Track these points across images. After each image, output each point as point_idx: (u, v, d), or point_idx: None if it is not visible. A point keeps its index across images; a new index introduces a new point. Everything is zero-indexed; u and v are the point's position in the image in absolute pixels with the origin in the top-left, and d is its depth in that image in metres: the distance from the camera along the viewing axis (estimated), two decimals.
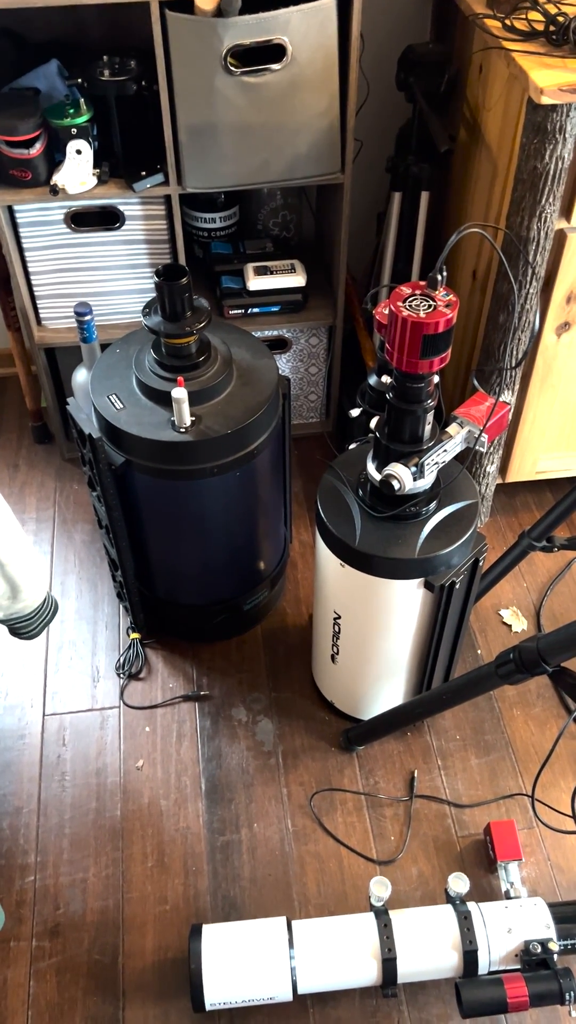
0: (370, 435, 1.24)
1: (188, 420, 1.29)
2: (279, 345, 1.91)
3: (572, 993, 1.14)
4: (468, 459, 1.73)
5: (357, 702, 1.53)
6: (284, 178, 1.63)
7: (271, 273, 1.81)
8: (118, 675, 1.65)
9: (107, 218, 1.67)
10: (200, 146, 1.56)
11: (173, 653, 1.69)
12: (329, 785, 1.50)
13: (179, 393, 1.26)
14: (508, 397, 1.61)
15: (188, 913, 1.35)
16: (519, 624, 1.73)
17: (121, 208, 1.65)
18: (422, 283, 1.04)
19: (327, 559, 1.31)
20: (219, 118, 1.53)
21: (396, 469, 1.14)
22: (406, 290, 1.04)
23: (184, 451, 1.30)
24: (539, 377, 1.61)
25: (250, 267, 1.82)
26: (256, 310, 1.83)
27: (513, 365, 1.54)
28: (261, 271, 1.81)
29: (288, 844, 1.43)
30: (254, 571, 1.63)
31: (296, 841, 1.43)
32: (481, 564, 1.30)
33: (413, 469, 1.15)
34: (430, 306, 1.02)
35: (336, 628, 1.41)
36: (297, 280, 1.81)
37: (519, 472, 1.81)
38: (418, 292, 1.04)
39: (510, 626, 1.73)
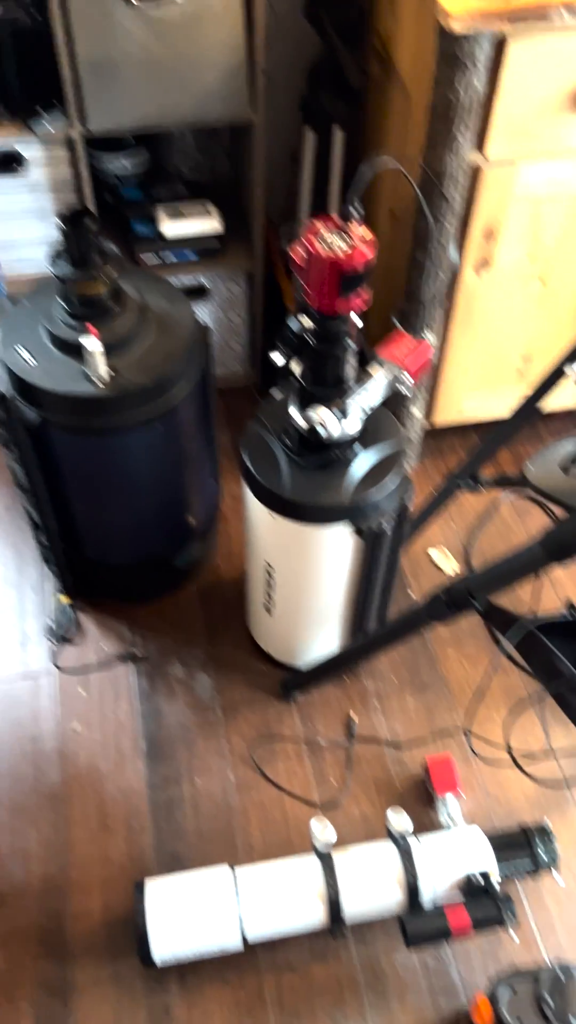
0: (293, 380, 1.21)
1: (104, 372, 1.24)
2: (198, 293, 1.86)
3: (512, 917, 1.18)
4: (392, 401, 1.73)
5: (294, 651, 1.53)
6: (193, 117, 1.57)
7: (185, 217, 1.75)
8: (49, 640, 1.61)
9: (5, 162, 1.58)
10: (102, 83, 1.48)
11: (105, 614, 1.66)
12: (269, 734, 1.50)
13: (92, 344, 1.21)
14: (431, 338, 1.60)
15: (134, 872, 1.35)
16: (449, 565, 1.75)
17: (21, 151, 1.57)
18: (337, 217, 1.01)
19: (256, 510, 1.30)
20: (121, 53, 1.45)
21: (321, 414, 1.13)
22: (320, 224, 1.01)
23: (103, 405, 1.26)
24: (460, 317, 1.60)
25: (163, 212, 1.75)
26: (171, 257, 1.77)
27: (437, 305, 1.53)
28: (174, 216, 1.75)
29: (231, 796, 1.43)
30: (184, 526, 1.60)
31: (239, 792, 1.44)
32: (409, 507, 1.29)
33: (338, 413, 1.14)
34: (346, 242, 0.99)
35: (269, 579, 1.40)
36: (212, 224, 1.75)
37: (445, 415, 1.81)
38: (333, 227, 1.01)
39: (441, 567, 1.75)
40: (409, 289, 1.53)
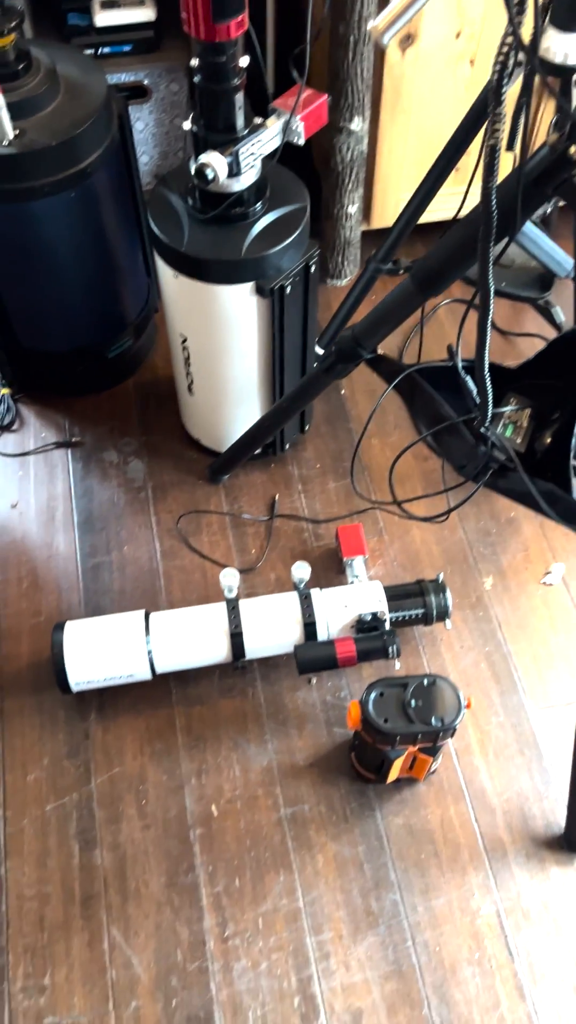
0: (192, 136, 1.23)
1: (10, 131, 1.27)
2: (139, 94, 1.84)
3: (394, 647, 1.27)
4: (329, 202, 1.74)
5: (219, 434, 1.60)
6: None
7: (119, 7, 1.72)
8: None
9: None
10: None
11: (45, 407, 1.73)
12: (196, 511, 1.58)
13: None
14: (359, 125, 1.60)
15: (60, 622, 1.46)
16: None
17: None
18: None
19: (165, 275, 1.33)
20: None
21: (210, 156, 1.15)
22: None
23: (8, 166, 1.28)
24: (389, 102, 1.59)
25: (96, 1, 1.72)
26: (106, 49, 1.75)
27: (364, 88, 1.51)
28: (108, 5, 1.72)
29: (156, 561, 1.53)
30: (114, 315, 1.64)
31: (163, 558, 1.53)
32: (314, 270, 1.33)
33: (228, 158, 1.16)
34: None
35: (186, 353, 1.45)
36: (147, 14, 1.72)
37: (382, 216, 1.81)
38: None
39: None
40: (335, 70, 1.51)
